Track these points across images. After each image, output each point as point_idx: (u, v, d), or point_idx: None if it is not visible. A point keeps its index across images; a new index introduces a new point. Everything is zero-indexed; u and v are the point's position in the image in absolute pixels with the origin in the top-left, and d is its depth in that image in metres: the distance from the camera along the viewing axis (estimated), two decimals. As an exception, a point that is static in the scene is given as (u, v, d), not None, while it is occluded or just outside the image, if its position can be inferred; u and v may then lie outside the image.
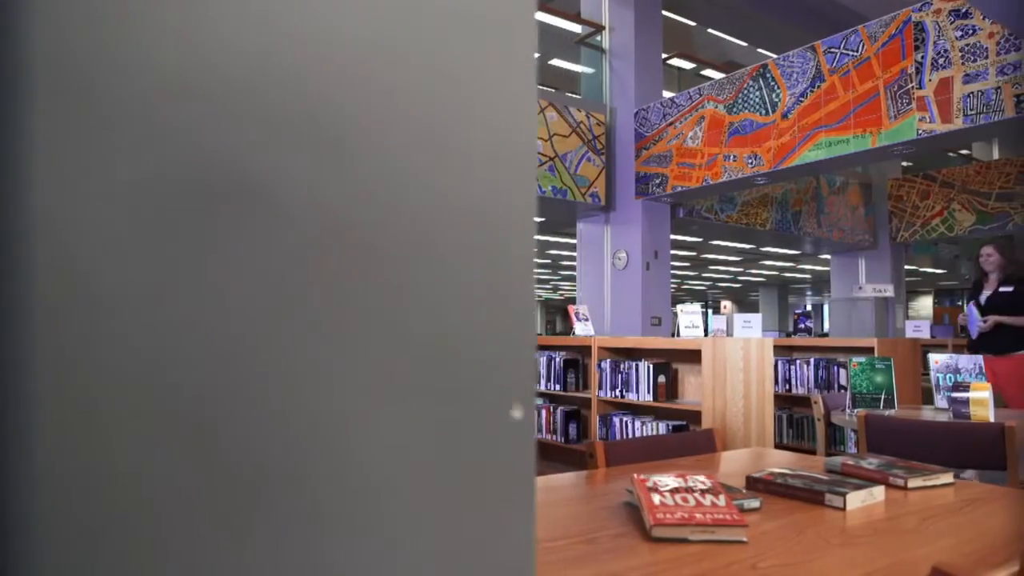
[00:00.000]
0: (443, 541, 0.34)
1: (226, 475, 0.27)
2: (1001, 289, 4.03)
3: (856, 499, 1.26)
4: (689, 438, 1.77)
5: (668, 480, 1.20)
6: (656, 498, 1.11)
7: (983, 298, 4.10)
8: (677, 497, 1.12)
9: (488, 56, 0.35)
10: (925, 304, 20.58)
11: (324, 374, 0.30)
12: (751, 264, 16.04)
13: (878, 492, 1.31)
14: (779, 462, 1.72)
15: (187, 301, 0.26)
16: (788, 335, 8.45)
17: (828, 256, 10.28)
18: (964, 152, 11.93)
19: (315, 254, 0.29)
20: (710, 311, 24.63)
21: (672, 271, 16.28)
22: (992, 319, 4.01)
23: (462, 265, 0.35)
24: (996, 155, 11.24)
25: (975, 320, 4.12)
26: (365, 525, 0.31)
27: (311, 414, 0.30)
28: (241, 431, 0.27)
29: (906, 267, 11.59)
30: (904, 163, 10.38)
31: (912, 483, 1.41)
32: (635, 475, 1.24)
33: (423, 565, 0.33)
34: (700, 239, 10.78)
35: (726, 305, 19.87)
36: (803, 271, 17.22)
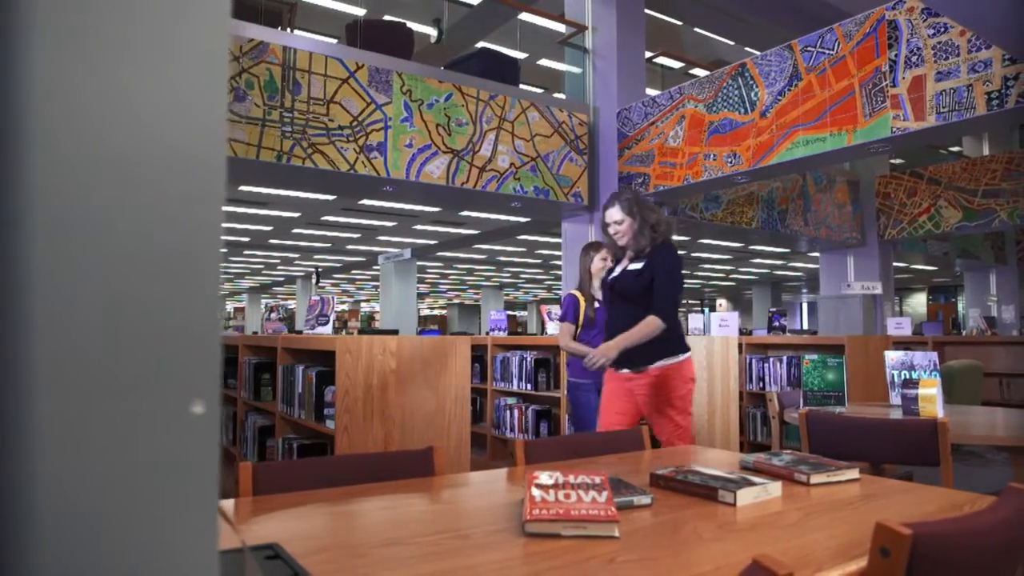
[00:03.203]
0: (109, 544, 0.35)
1: None
2: (630, 267, 2.77)
3: (748, 495, 1.28)
4: (614, 437, 1.80)
5: (558, 477, 1.22)
6: (537, 494, 1.13)
7: (611, 277, 2.85)
8: (559, 493, 1.14)
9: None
10: (919, 301, 20.55)
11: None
12: (742, 262, 16.03)
13: (774, 488, 1.33)
14: (703, 460, 1.74)
15: None
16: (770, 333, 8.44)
17: (817, 254, 10.28)
18: (955, 149, 11.92)
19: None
20: (707, 309, 24.52)
21: (664, 269, 16.28)
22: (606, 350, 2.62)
23: (139, 261, 0.36)
24: (987, 151, 11.23)
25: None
26: (24, 531, 0.32)
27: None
28: None
29: (898, 264, 11.59)
30: (895, 160, 10.39)
31: (815, 479, 1.43)
32: (532, 472, 1.26)
33: (88, 571, 0.34)
34: (687, 238, 10.79)
35: (722, 303, 19.86)
36: (795, 269, 17.21)
